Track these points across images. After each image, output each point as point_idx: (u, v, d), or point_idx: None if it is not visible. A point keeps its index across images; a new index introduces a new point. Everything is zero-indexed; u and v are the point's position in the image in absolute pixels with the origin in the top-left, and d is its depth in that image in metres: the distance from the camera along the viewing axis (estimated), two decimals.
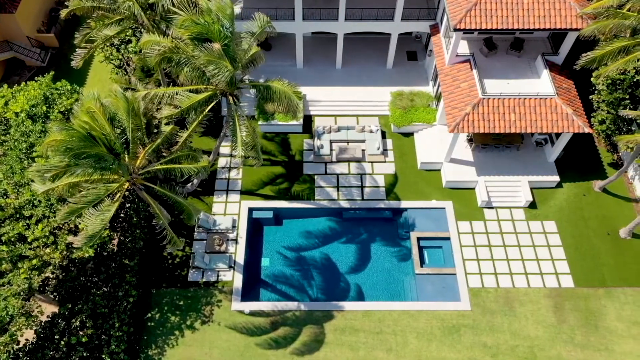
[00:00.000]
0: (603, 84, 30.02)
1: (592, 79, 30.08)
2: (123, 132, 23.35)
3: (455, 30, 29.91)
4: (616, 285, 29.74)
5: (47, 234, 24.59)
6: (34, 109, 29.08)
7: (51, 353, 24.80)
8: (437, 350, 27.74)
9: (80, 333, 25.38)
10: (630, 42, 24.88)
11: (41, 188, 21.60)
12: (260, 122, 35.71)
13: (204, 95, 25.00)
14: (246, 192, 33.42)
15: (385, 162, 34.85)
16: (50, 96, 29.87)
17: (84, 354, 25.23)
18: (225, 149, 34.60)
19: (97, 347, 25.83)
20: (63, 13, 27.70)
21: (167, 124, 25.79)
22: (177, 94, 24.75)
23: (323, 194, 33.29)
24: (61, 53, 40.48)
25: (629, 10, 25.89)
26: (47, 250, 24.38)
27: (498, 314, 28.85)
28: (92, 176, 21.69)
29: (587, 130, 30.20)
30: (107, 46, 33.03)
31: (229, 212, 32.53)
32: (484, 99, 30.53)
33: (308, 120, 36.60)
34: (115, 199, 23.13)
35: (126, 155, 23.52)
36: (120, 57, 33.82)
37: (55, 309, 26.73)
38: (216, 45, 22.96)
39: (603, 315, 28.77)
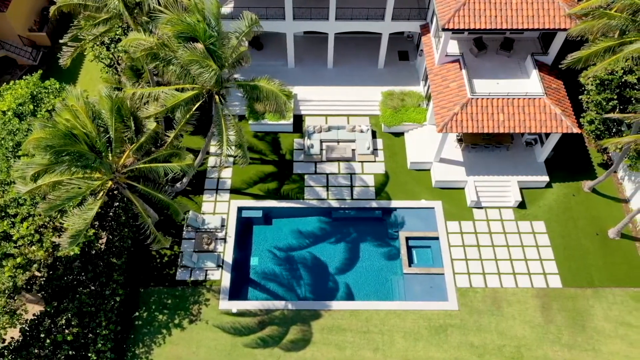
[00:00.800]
0: (592, 84, 29.98)
1: (580, 79, 30.04)
2: (107, 131, 23.31)
3: (444, 30, 29.87)
4: (604, 286, 29.73)
5: (33, 232, 24.59)
6: (21, 107, 29.10)
7: (36, 351, 24.80)
8: (424, 350, 27.73)
9: (66, 331, 25.37)
10: (615, 43, 24.80)
11: (24, 189, 21.59)
12: (250, 122, 35.70)
13: (190, 94, 24.93)
14: (236, 191, 33.42)
15: (375, 161, 34.83)
16: (37, 95, 29.86)
17: (70, 353, 25.22)
18: (215, 147, 34.57)
19: (84, 345, 25.82)
20: (51, 10, 27.68)
21: (156, 120, 25.72)
22: (162, 92, 24.70)
23: (313, 194, 33.27)
24: (53, 52, 40.37)
25: (616, 11, 25.83)
26: (33, 248, 24.37)
27: (485, 314, 28.83)
28: (75, 174, 21.69)
29: (575, 130, 30.19)
30: (97, 45, 33.00)
31: (218, 211, 32.53)
32: (472, 98, 30.50)
33: (299, 119, 36.58)
34: (98, 197, 23.11)
35: (110, 154, 23.50)
36: (111, 56, 33.79)
37: (42, 308, 26.71)
38: (199, 45, 22.90)
39: (590, 316, 28.74)
